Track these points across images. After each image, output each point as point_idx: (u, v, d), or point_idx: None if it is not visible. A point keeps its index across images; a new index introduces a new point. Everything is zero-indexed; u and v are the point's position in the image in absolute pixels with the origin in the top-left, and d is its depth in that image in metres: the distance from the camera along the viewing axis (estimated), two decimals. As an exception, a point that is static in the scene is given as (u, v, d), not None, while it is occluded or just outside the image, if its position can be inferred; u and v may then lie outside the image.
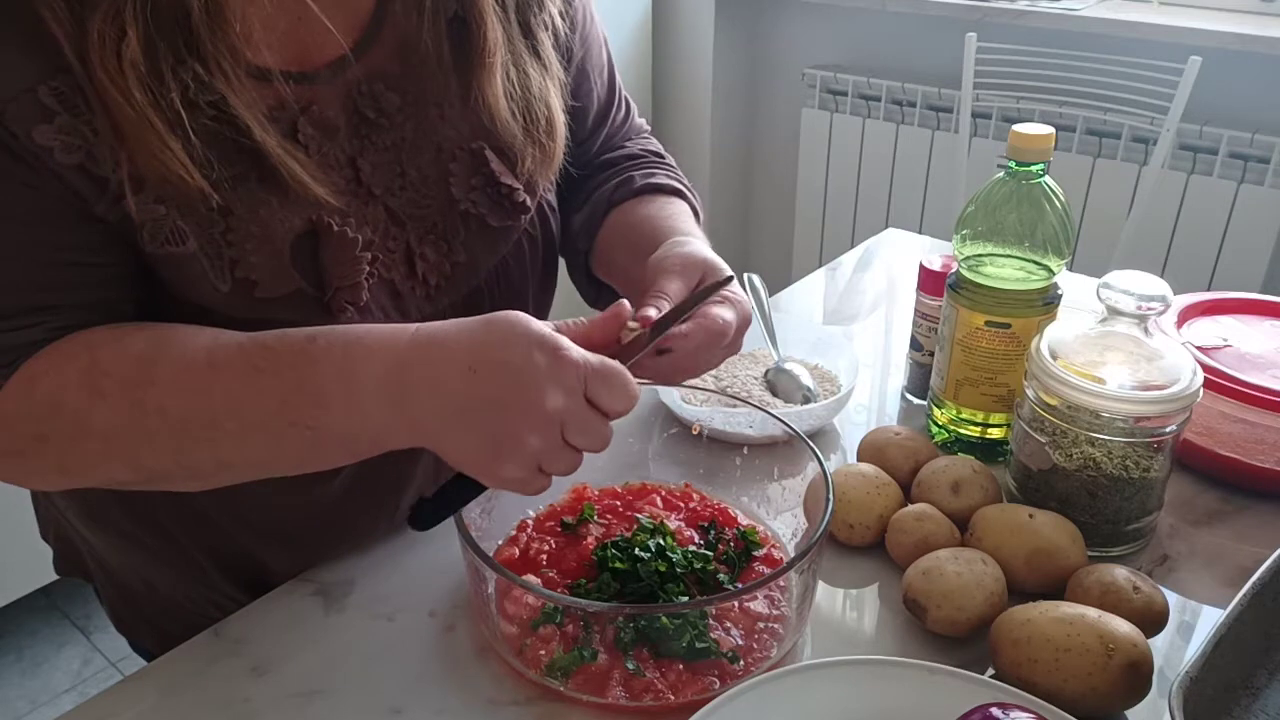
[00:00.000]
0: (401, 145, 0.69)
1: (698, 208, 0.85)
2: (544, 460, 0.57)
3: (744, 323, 0.68)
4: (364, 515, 0.77)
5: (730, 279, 0.67)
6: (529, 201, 0.75)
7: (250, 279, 0.62)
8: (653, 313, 0.63)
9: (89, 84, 0.55)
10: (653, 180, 0.84)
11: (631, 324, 0.62)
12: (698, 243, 0.73)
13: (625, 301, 0.62)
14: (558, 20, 0.77)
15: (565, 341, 0.56)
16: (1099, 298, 0.73)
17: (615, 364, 0.58)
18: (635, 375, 0.59)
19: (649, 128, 0.95)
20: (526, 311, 0.58)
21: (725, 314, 0.66)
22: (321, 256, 0.65)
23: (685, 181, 0.87)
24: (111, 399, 0.58)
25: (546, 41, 0.75)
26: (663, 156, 0.90)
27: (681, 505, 0.77)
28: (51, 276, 0.59)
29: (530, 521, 0.75)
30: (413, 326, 0.59)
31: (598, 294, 0.88)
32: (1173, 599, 0.70)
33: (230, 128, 0.59)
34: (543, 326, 0.57)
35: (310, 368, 0.57)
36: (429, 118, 0.70)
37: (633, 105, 0.92)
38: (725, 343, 0.66)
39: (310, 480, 0.67)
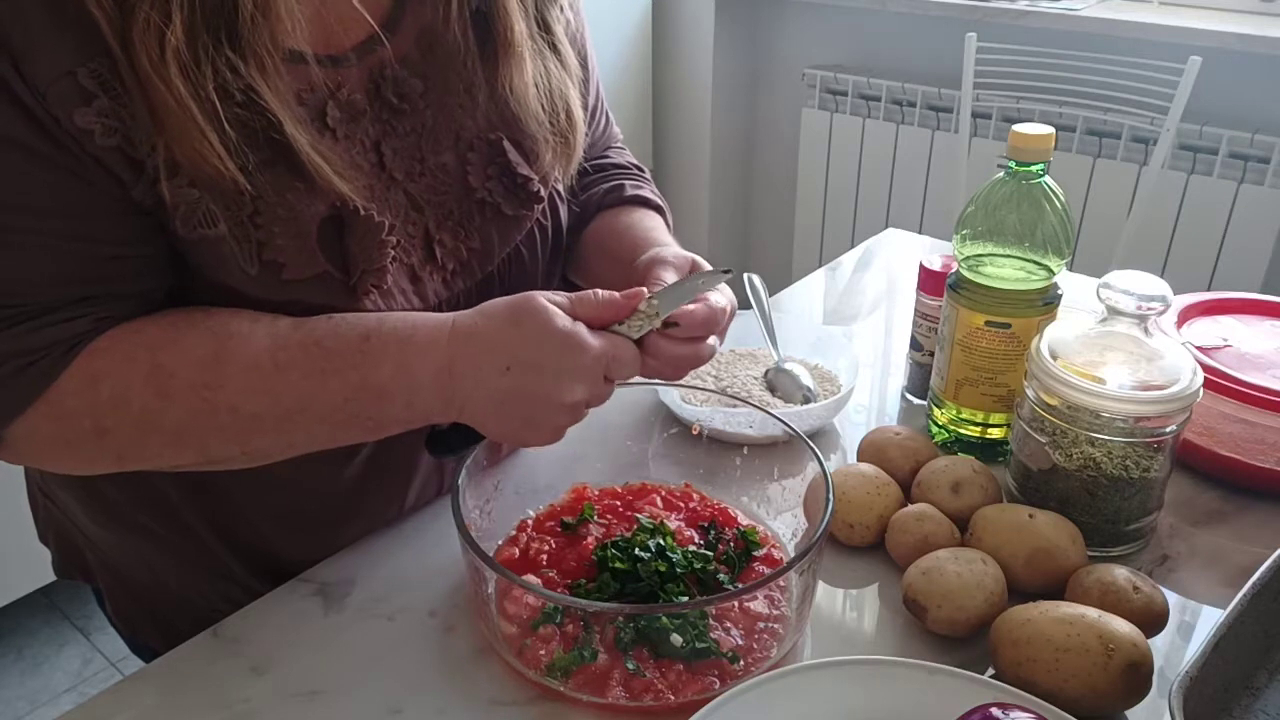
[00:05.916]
0: (422, 132, 0.70)
1: (670, 227, 0.89)
2: (569, 428, 0.66)
3: (733, 310, 0.73)
4: (376, 500, 0.79)
5: (728, 272, 0.70)
6: (542, 192, 0.77)
7: (278, 261, 0.63)
8: (658, 286, 0.68)
9: (129, 69, 0.55)
10: (640, 193, 0.88)
11: (643, 306, 0.66)
12: (683, 250, 0.77)
13: (644, 289, 0.66)
14: (570, 15, 0.78)
15: (585, 333, 0.63)
16: (1099, 298, 0.73)
17: (628, 345, 0.65)
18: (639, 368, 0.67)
19: (622, 135, 0.97)
20: None
21: (719, 299, 0.70)
22: (347, 240, 0.66)
23: (663, 199, 0.91)
24: (180, 399, 0.60)
25: (564, 38, 0.77)
26: (643, 170, 0.93)
27: (681, 505, 0.77)
28: (93, 269, 0.60)
29: (530, 521, 0.75)
30: (449, 320, 0.64)
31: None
32: (1173, 599, 0.70)
33: (260, 118, 0.60)
34: (565, 319, 0.63)
35: (371, 368, 0.62)
36: (449, 106, 0.71)
37: (610, 113, 0.95)
38: (720, 327, 0.70)
39: (328, 464, 0.71)
